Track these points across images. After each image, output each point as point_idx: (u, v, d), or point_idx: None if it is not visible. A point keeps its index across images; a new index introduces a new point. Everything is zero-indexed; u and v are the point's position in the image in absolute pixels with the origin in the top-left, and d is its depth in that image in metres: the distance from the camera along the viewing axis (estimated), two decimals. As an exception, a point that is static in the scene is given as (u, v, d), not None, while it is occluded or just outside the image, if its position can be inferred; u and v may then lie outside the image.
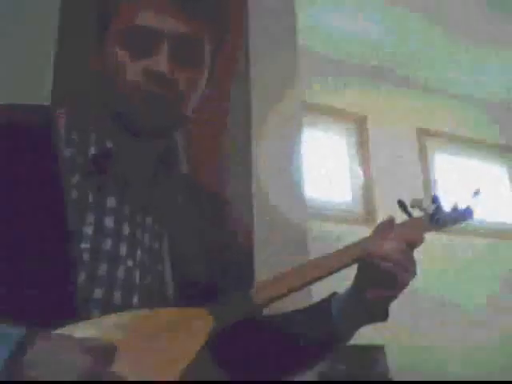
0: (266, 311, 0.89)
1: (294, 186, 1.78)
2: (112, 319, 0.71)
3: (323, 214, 3.65)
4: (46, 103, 1.34)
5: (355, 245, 0.88)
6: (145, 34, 0.78)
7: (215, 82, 0.91)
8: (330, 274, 0.84)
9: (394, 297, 0.87)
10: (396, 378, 3.00)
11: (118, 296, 0.78)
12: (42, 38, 1.46)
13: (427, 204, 0.94)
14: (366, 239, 0.88)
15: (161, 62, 0.77)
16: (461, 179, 4.35)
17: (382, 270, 0.83)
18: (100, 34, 0.84)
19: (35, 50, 1.45)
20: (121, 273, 0.79)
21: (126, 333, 0.69)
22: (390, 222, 0.90)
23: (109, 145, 0.82)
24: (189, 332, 0.72)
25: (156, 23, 0.78)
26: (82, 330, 0.67)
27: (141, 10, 0.78)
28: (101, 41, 0.84)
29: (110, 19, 0.82)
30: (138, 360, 0.67)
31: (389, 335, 3.09)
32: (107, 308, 0.76)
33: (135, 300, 0.79)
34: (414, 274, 0.85)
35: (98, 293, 0.76)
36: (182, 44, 0.80)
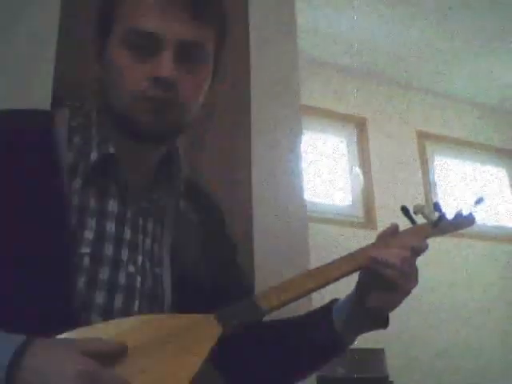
0: (266, 317, 0.88)
1: (294, 190, 1.77)
2: (115, 324, 0.70)
3: (323, 217, 3.65)
4: (46, 107, 1.34)
5: (358, 252, 0.87)
6: (148, 38, 0.77)
7: (217, 84, 0.91)
8: (334, 281, 0.83)
9: (396, 305, 0.86)
10: (396, 382, 2.99)
11: (119, 301, 0.78)
12: (43, 39, 1.46)
13: (429, 210, 0.93)
14: (368, 246, 0.88)
15: (164, 68, 0.76)
16: (461, 182, 4.35)
17: (385, 279, 0.83)
18: (101, 39, 0.82)
19: (36, 51, 1.44)
20: (122, 278, 0.79)
21: (131, 338, 0.68)
22: (393, 230, 0.90)
23: (111, 150, 0.81)
24: (197, 338, 0.71)
25: (159, 27, 0.76)
26: (81, 336, 0.67)
27: (145, 14, 0.77)
28: (102, 46, 0.82)
29: (112, 24, 0.80)
30: (146, 368, 0.66)
31: (389, 339, 3.09)
32: (108, 313, 0.76)
33: (136, 305, 0.79)
34: (416, 282, 0.85)
35: (99, 298, 0.76)
36: (186, 49, 0.79)
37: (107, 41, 0.81)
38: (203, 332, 0.72)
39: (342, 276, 0.83)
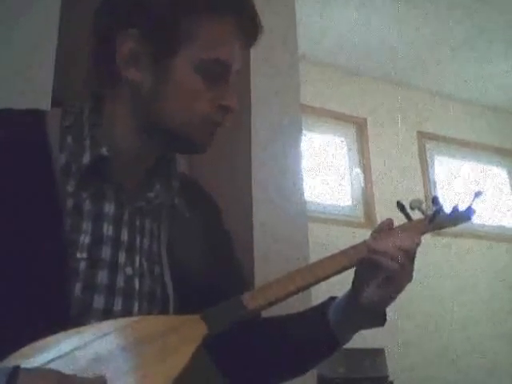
0: (264, 314, 0.88)
1: (294, 190, 1.78)
2: (99, 327, 0.69)
3: (323, 217, 3.65)
4: (46, 108, 1.34)
5: (349, 249, 0.86)
6: (223, 68, 0.80)
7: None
8: (327, 278, 0.82)
9: (391, 300, 0.85)
10: (396, 382, 3.00)
11: (118, 304, 0.77)
12: (43, 39, 1.46)
13: (427, 205, 0.92)
14: (361, 243, 0.87)
15: (233, 98, 0.82)
16: (461, 182, 4.36)
17: (385, 269, 0.82)
18: (161, 54, 0.79)
19: (36, 51, 1.44)
20: (120, 281, 0.78)
21: (115, 342, 0.67)
22: (388, 225, 0.89)
23: (104, 152, 0.80)
24: (181, 339, 0.70)
25: (231, 58, 0.81)
26: (68, 340, 0.66)
27: (223, 44, 0.80)
28: (159, 60, 0.79)
29: (181, 45, 0.78)
30: (129, 369, 0.66)
31: (389, 339, 3.09)
32: (107, 317, 0.75)
33: (136, 307, 0.79)
34: (411, 278, 0.84)
35: (98, 302, 0.75)
36: (236, 77, 0.84)
37: (169, 59, 0.79)
38: (188, 332, 0.71)
39: (333, 274, 0.82)
